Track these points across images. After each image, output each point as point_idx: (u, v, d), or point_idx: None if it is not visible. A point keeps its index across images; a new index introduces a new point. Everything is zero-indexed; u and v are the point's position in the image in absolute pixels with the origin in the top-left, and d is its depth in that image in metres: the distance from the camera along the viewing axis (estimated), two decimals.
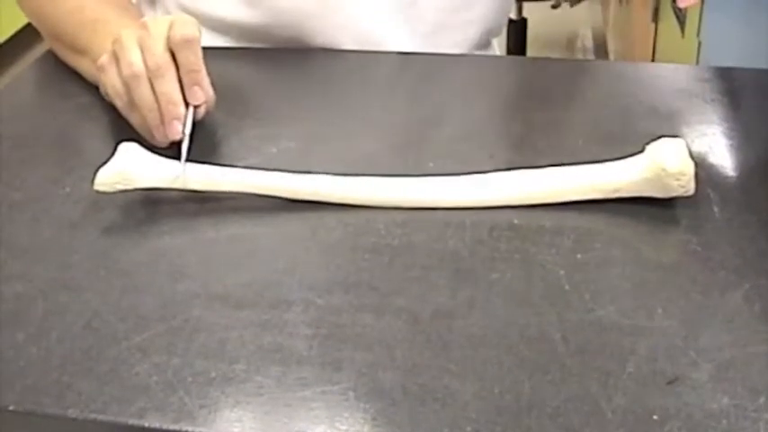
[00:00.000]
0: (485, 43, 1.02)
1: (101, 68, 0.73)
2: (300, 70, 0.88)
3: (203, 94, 0.70)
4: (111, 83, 0.71)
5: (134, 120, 0.71)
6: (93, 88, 0.83)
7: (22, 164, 0.72)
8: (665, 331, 0.53)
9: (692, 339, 0.53)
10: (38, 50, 1.06)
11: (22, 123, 0.79)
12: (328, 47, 0.91)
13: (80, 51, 0.83)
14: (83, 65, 0.83)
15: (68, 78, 0.86)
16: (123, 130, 0.72)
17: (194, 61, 0.69)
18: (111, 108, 0.77)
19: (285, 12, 0.90)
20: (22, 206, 0.67)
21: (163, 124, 0.68)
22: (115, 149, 0.66)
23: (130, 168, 0.64)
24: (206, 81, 0.70)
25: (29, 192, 0.69)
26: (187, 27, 0.69)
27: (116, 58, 0.71)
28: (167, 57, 0.69)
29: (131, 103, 0.70)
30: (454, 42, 0.96)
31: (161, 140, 0.69)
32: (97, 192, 0.64)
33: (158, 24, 0.70)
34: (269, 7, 0.90)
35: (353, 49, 0.91)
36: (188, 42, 0.69)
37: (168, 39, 0.69)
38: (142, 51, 0.69)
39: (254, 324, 0.55)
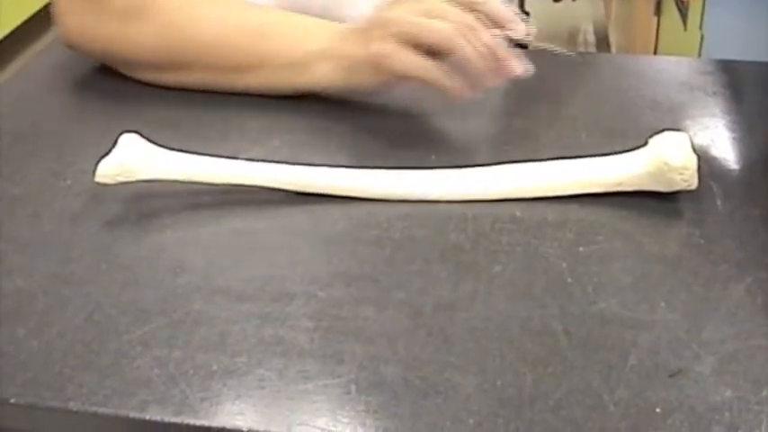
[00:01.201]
0: None
1: (383, 55, 0.71)
2: None
3: (521, 26, 0.71)
4: (413, 61, 0.70)
5: (447, 84, 0.70)
6: (93, 82, 0.83)
7: (22, 158, 0.72)
8: (667, 324, 0.53)
9: (695, 332, 0.52)
10: (38, 45, 1.05)
11: (22, 117, 0.79)
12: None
13: (245, 67, 0.78)
14: (248, 79, 0.78)
15: (69, 72, 0.86)
16: (124, 123, 0.72)
17: (499, 9, 0.70)
18: (112, 102, 0.77)
19: (300, 2, 0.89)
20: (23, 200, 0.67)
21: (498, 66, 0.69)
22: (116, 142, 0.66)
23: (132, 160, 0.64)
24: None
25: (29, 186, 0.68)
26: None
27: (405, 38, 0.70)
28: (468, 14, 0.69)
29: (443, 69, 0.70)
30: None
31: (494, 83, 0.70)
32: (98, 184, 0.64)
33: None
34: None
35: None
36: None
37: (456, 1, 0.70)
38: (440, 18, 0.69)
39: (256, 317, 0.54)
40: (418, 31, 0.70)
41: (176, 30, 0.79)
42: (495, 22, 0.70)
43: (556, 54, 0.71)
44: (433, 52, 0.70)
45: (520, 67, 0.69)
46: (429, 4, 0.70)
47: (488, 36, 0.69)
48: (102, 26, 0.81)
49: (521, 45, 0.71)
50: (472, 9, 0.70)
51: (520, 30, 0.70)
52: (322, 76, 0.76)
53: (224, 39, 0.79)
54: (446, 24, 0.69)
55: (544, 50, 0.71)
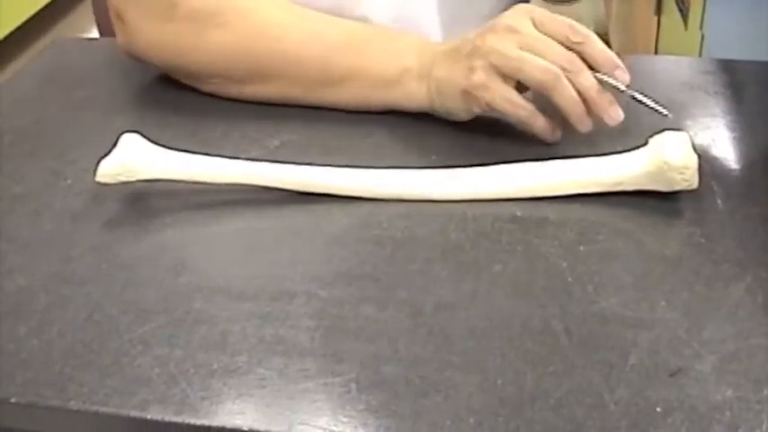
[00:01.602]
0: None
1: (480, 87, 0.69)
2: None
3: (623, 72, 0.68)
4: (504, 96, 0.69)
5: (539, 124, 0.70)
6: (94, 82, 0.83)
7: (23, 157, 0.72)
8: (667, 323, 0.53)
9: (695, 331, 0.52)
10: (39, 45, 1.05)
11: (23, 117, 0.79)
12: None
13: (335, 80, 0.76)
14: (336, 94, 0.76)
15: (69, 72, 0.86)
16: (124, 122, 0.72)
17: (601, 52, 0.68)
18: (112, 102, 0.77)
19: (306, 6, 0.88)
20: (24, 199, 0.67)
21: (593, 114, 0.68)
22: (117, 142, 0.66)
23: (133, 160, 0.64)
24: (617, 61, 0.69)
25: (30, 185, 0.68)
26: (557, 21, 0.68)
27: (499, 71, 0.68)
28: (569, 52, 0.67)
29: (535, 110, 0.69)
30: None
31: (585, 130, 0.69)
32: (99, 184, 0.64)
33: (522, 23, 0.69)
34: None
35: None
36: (581, 36, 0.68)
37: (553, 34, 0.68)
38: (539, 55, 0.67)
39: (257, 316, 0.54)
40: (520, 67, 0.67)
41: (260, 39, 0.76)
42: (598, 67, 0.68)
43: (649, 109, 0.68)
44: (524, 87, 0.69)
45: (615, 114, 0.67)
46: (531, 38, 0.68)
47: (588, 79, 0.67)
48: (172, 34, 0.77)
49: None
50: (573, 47, 0.68)
51: (620, 76, 0.68)
52: (413, 95, 0.74)
53: (314, 51, 0.76)
54: (549, 64, 0.67)
55: (634, 100, 0.68)
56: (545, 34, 0.68)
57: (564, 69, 0.67)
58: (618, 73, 0.68)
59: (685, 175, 0.62)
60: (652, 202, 0.63)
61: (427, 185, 0.65)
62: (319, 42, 0.76)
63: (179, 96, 0.80)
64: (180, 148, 0.67)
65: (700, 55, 1.38)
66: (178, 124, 0.75)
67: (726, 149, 0.71)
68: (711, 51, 1.34)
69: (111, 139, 0.66)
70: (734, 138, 0.72)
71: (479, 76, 0.69)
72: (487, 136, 0.73)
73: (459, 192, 0.65)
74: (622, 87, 0.68)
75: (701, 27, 1.37)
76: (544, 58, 0.67)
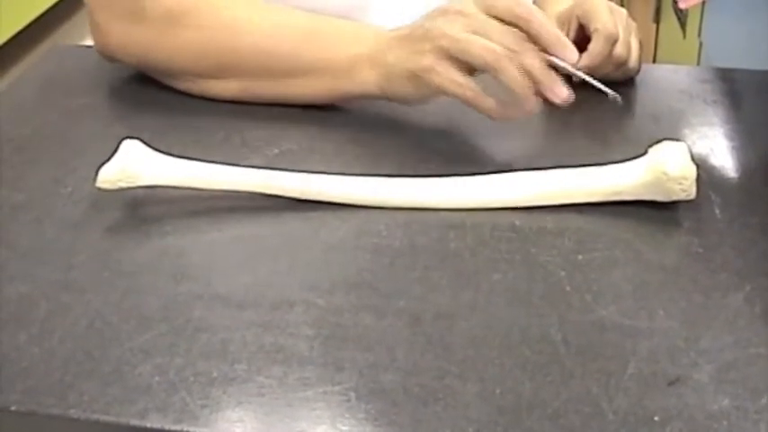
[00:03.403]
0: None
1: (428, 70, 0.70)
2: None
3: (570, 51, 0.68)
4: (451, 78, 0.69)
5: (486, 105, 0.70)
6: (93, 89, 0.83)
7: (23, 165, 0.72)
8: (666, 332, 0.53)
9: (694, 340, 0.53)
10: (38, 52, 1.05)
11: (23, 124, 0.79)
12: None
13: (305, 71, 0.77)
14: (294, 86, 0.78)
15: (69, 78, 0.86)
16: (124, 129, 0.72)
17: (546, 29, 0.68)
18: (112, 109, 0.77)
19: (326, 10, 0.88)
20: (25, 207, 0.67)
21: (540, 93, 0.67)
22: (117, 148, 0.66)
23: (133, 166, 0.65)
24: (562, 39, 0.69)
25: (31, 192, 0.69)
26: (503, 1, 0.68)
27: (447, 53, 0.69)
28: (516, 33, 0.68)
29: (479, 92, 0.69)
30: None
31: (533, 111, 0.68)
32: (99, 189, 0.64)
33: (470, 6, 0.69)
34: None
35: None
36: (525, 12, 0.68)
37: (502, 15, 0.68)
38: (486, 37, 0.68)
39: (256, 324, 0.55)
40: (466, 49, 0.68)
41: (220, 35, 0.78)
42: (543, 44, 0.68)
43: (599, 91, 0.68)
44: (474, 68, 0.69)
45: (562, 93, 0.67)
46: (478, 21, 0.68)
47: (534, 59, 0.67)
48: (143, 33, 0.79)
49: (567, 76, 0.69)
50: (521, 27, 0.68)
51: (568, 56, 0.68)
52: (363, 83, 0.75)
53: (269, 43, 0.77)
54: (494, 45, 0.67)
55: (584, 82, 0.68)
56: (494, 16, 0.69)
57: (510, 50, 0.67)
58: (565, 52, 0.68)
59: (684, 185, 0.63)
60: (650, 211, 0.64)
61: (426, 194, 0.66)
62: (275, 34, 0.78)
63: (179, 103, 0.80)
64: (180, 154, 0.67)
65: (698, 63, 1.38)
66: (178, 131, 0.75)
67: (724, 159, 0.71)
68: (710, 59, 1.35)
69: (112, 146, 0.67)
70: (732, 147, 0.73)
71: (428, 60, 0.70)
72: (487, 145, 0.73)
73: (458, 200, 0.65)
74: (571, 69, 0.68)
75: (699, 35, 1.37)
76: (491, 39, 0.67)
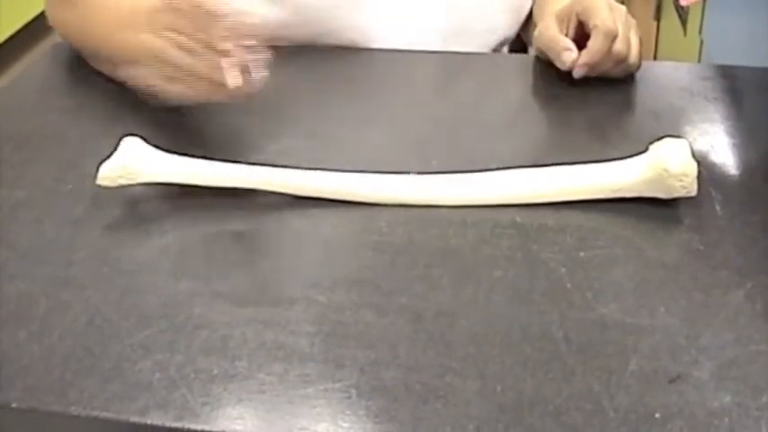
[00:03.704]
0: (497, 50, 1.02)
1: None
2: (303, 69, 0.88)
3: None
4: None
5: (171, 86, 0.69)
6: (94, 86, 0.83)
7: (23, 163, 0.72)
8: (667, 330, 0.53)
9: (694, 338, 0.53)
10: (37, 50, 1.05)
11: (23, 122, 0.79)
12: (344, 45, 0.90)
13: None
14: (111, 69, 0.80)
15: (69, 77, 0.86)
16: (124, 128, 0.72)
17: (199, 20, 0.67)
18: (112, 106, 0.77)
19: (309, 8, 0.88)
20: (25, 205, 0.67)
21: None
22: (117, 146, 0.66)
23: (133, 163, 0.64)
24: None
25: (31, 190, 0.69)
26: None
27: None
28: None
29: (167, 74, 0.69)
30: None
31: (215, 95, 0.68)
32: (99, 187, 0.64)
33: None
34: (294, 4, 0.88)
35: (376, 47, 0.90)
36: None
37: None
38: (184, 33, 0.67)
39: (257, 321, 0.55)
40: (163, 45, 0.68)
41: (85, 15, 0.82)
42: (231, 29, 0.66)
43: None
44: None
45: (229, 79, 0.65)
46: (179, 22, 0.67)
47: (197, 46, 0.66)
48: (73, 18, 0.85)
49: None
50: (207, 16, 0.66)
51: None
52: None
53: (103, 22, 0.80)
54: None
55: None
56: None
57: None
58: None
59: (684, 182, 0.62)
60: (651, 208, 0.64)
61: (427, 191, 0.65)
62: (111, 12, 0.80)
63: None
64: (180, 151, 0.67)
65: (699, 60, 1.38)
66: (178, 128, 0.75)
67: (725, 156, 0.71)
68: (710, 57, 1.35)
69: (111, 143, 0.66)
70: (733, 144, 0.73)
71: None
72: (487, 142, 0.73)
73: (459, 197, 0.65)
74: None
75: (700, 32, 1.37)
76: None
